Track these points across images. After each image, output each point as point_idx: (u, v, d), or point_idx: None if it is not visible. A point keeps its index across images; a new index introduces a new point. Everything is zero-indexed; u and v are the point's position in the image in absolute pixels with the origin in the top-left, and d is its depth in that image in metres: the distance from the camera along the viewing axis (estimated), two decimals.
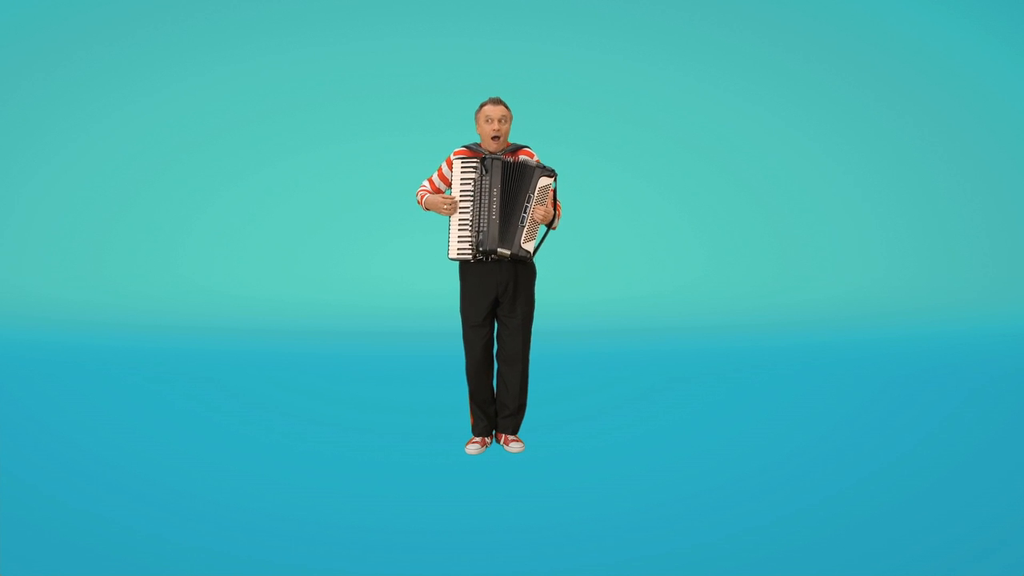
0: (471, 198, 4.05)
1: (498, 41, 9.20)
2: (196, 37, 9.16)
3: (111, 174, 9.07)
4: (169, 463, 4.00)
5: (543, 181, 4.04)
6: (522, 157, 4.10)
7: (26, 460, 4.04)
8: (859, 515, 3.36)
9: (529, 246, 4.06)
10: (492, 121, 4.07)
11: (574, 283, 8.68)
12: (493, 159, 4.02)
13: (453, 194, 4.11)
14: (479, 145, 4.16)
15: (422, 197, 4.22)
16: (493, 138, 4.08)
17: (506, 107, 4.13)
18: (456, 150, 4.18)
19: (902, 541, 3.11)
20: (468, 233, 4.06)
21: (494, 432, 4.35)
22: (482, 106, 4.13)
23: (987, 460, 4.02)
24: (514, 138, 4.27)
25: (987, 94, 9.38)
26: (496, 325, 4.24)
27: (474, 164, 4.05)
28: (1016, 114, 9.31)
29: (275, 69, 9.18)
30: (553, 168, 4.08)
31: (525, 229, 4.04)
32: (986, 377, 5.81)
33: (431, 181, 4.23)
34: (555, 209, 4.13)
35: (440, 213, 4.13)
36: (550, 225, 4.14)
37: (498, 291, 4.12)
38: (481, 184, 4.03)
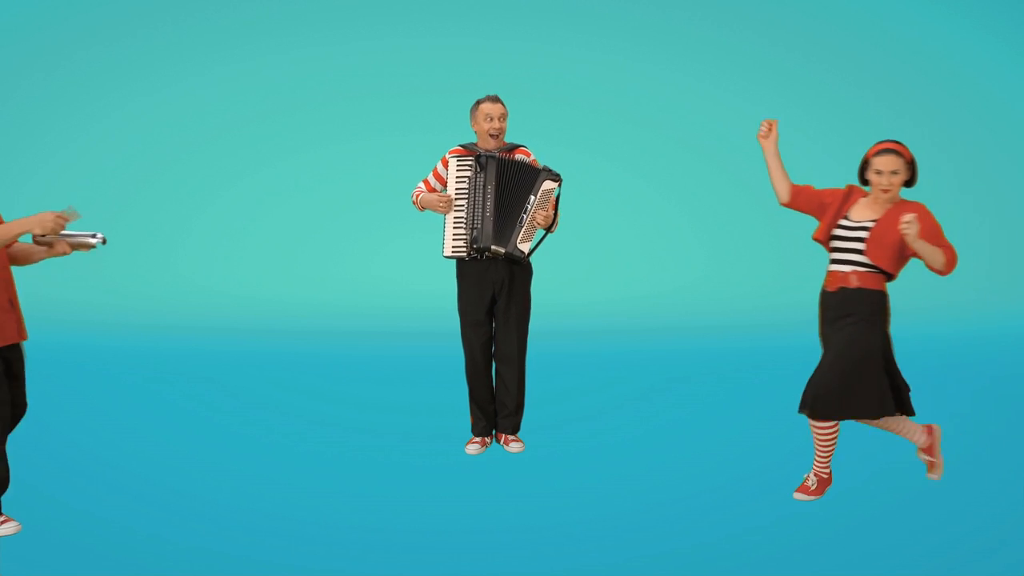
0: (466, 195, 4.05)
1: (498, 41, 9.20)
2: (196, 37, 9.16)
3: (111, 174, 9.06)
4: (169, 463, 4.01)
5: (547, 184, 4.03)
6: (518, 156, 4.10)
7: (26, 460, 4.04)
8: (859, 515, 3.36)
9: (525, 247, 4.05)
10: (492, 119, 4.05)
11: (574, 283, 8.68)
12: (488, 157, 4.01)
13: (449, 192, 4.10)
14: (475, 144, 4.15)
15: (417, 197, 4.22)
16: (492, 136, 4.07)
17: (503, 105, 4.12)
18: (452, 149, 4.17)
19: (902, 541, 3.11)
20: (463, 230, 4.06)
21: (494, 432, 4.35)
22: (479, 103, 4.11)
23: (987, 460, 4.02)
24: (514, 137, 4.27)
25: (987, 94, 9.37)
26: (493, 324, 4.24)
27: (470, 162, 4.05)
28: (1016, 114, 9.31)
29: (275, 69, 9.18)
30: (559, 173, 4.06)
31: (523, 229, 4.03)
32: (986, 377, 5.81)
33: (426, 182, 4.23)
34: (555, 214, 4.12)
35: (436, 211, 4.13)
36: (548, 229, 4.14)
37: (494, 289, 4.11)
38: (476, 181, 4.02)
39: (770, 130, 3.63)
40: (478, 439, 4.28)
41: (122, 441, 4.36)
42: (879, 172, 3.45)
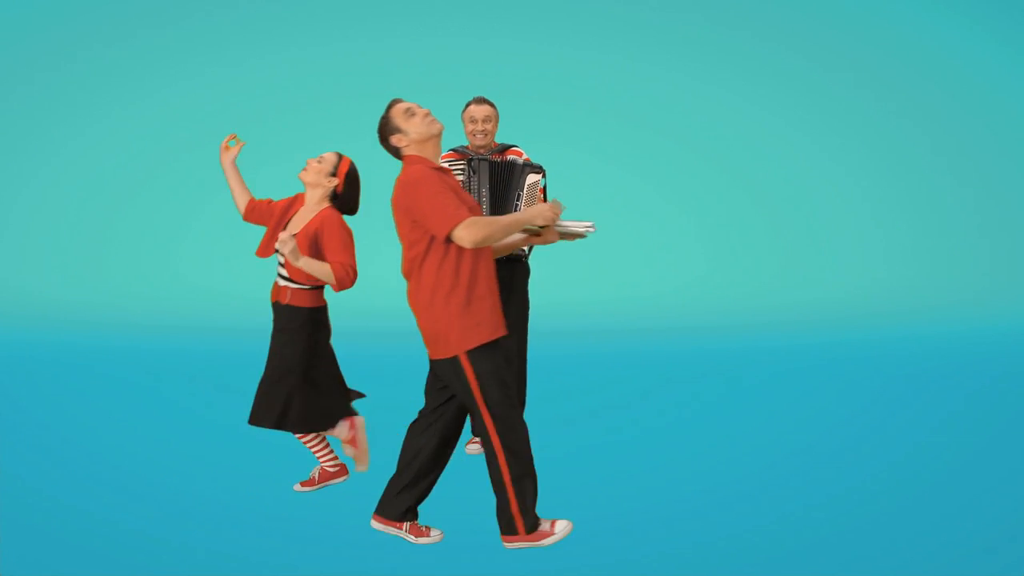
0: None
1: (497, 41, 9.20)
2: (196, 37, 9.16)
3: (111, 174, 9.06)
4: (169, 463, 4.01)
5: (531, 178, 4.03)
6: (510, 156, 4.09)
7: (26, 460, 4.04)
8: (859, 515, 3.36)
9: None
10: (476, 121, 4.07)
11: (573, 283, 8.68)
12: (480, 160, 4.01)
13: None
14: (466, 148, 4.15)
15: None
16: (476, 138, 4.08)
17: (491, 106, 4.11)
18: (443, 154, 4.17)
19: (902, 541, 3.11)
20: None
21: None
22: (467, 106, 4.13)
23: (987, 460, 4.02)
24: (511, 138, 4.27)
25: (987, 94, 9.37)
26: None
27: (461, 166, 4.06)
28: (1016, 114, 9.31)
29: (274, 69, 9.18)
30: (540, 165, 4.06)
31: None
32: (986, 377, 5.81)
33: None
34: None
35: None
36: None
37: None
38: (469, 186, 4.02)
39: (228, 146, 3.57)
40: (478, 439, 4.27)
41: (122, 441, 4.36)
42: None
